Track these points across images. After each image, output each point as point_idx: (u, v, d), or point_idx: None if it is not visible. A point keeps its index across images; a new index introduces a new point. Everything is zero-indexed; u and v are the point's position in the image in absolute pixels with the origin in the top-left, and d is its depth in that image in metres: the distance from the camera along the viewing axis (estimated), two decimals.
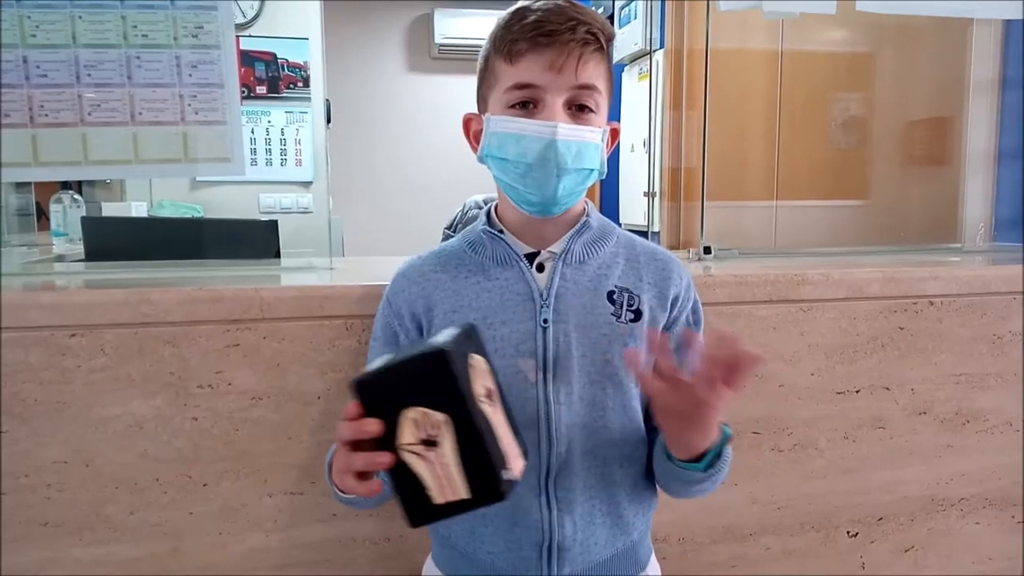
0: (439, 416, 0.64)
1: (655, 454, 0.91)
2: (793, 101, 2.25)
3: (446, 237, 3.24)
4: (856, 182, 2.35)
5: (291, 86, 3.13)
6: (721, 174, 1.83)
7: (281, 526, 1.11)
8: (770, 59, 2.23)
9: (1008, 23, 1.84)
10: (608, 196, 3.19)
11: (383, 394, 0.66)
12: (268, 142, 3.14)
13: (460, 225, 3.06)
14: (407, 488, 0.66)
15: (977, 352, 1.34)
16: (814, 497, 1.30)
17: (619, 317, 0.88)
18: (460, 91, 4.66)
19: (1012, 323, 1.36)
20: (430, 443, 0.65)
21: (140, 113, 1.19)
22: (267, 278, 1.18)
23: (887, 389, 1.31)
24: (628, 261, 0.93)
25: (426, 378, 0.64)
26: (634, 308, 0.89)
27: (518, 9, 0.85)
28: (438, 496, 0.66)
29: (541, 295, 0.88)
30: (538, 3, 0.85)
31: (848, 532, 1.34)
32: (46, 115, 1.17)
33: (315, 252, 1.71)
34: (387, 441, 0.65)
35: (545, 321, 0.87)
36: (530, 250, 0.91)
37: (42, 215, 2.33)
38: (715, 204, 1.62)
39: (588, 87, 0.84)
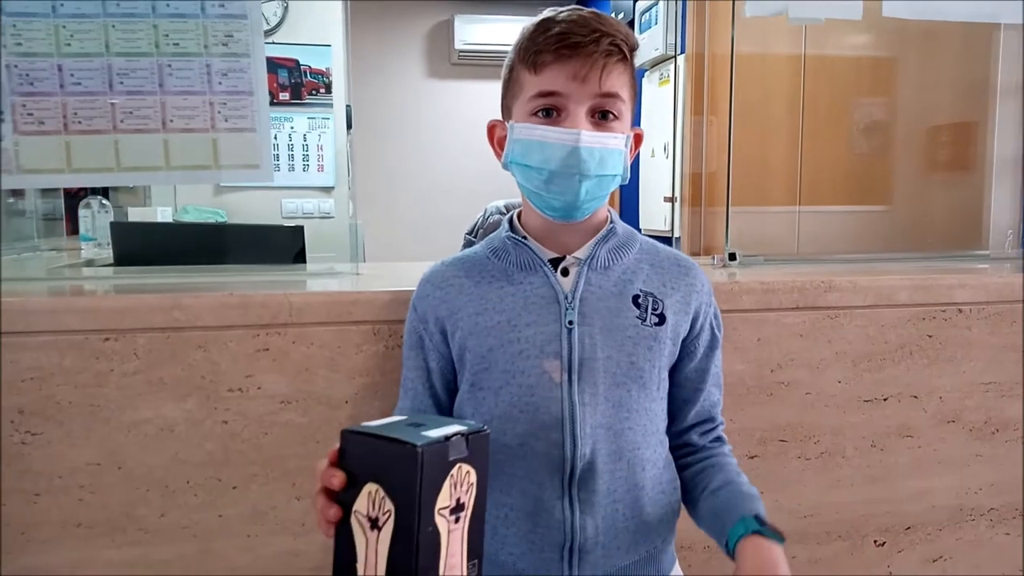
0: (390, 504, 0.64)
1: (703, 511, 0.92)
2: (816, 106, 2.24)
3: (467, 243, 3.25)
4: (879, 187, 2.33)
5: (313, 92, 3.16)
6: (743, 179, 1.82)
7: (309, 529, 1.11)
8: (793, 63, 2.22)
9: None
10: (628, 201, 3.19)
11: (359, 456, 0.66)
12: (291, 148, 3.17)
13: (481, 231, 3.07)
14: (343, 549, 0.66)
15: (1007, 360, 1.33)
16: (841, 506, 1.30)
17: (644, 320, 0.89)
18: (480, 97, 4.67)
19: None
20: (374, 523, 0.65)
21: (171, 120, 1.21)
22: (294, 283, 1.19)
23: (915, 397, 1.30)
24: (652, 267, 0.94)
25: (394, 465, 0.63)
26: (659, 312, 0.90)
27: (543, 20, 0.87)
28: (361, 572, 0.66)
29: (566, 297, 0.88)
30: (563, 14, 0.86)
31: (875, 541, 1.33)
32: (79, 122, 1.19)
33: (337, 257, 1.72)
34: (347, 499, 0.66)
35: (570, 323, 0.87)
36: (554, 256, 0.92)
37: (70, 219, 2.37)
38: (737, 209, 1.62)
39: (611, 95, 0.85)
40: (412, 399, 0.95)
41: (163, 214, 2.57)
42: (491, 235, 0.99)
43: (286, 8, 3.15)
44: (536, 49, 0.85)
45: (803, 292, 1.23)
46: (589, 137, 0.84)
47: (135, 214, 2.53)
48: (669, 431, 0.96)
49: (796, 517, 1.28)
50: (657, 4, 3.05)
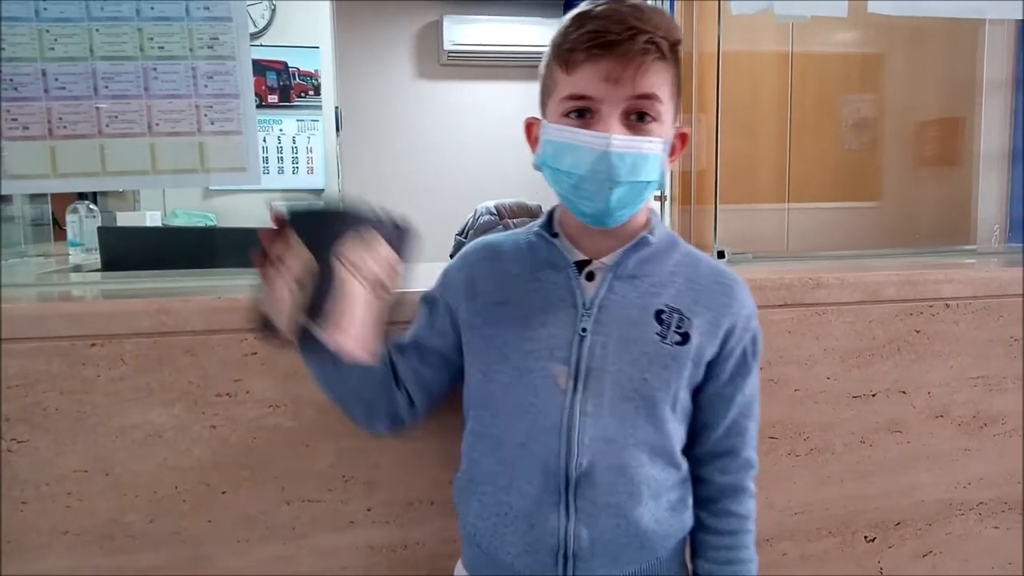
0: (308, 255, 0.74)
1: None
2: (804, 103, 2.25)
3: (457, 244, 3.25)
4: (868, 184, 2.34)
5: (302, 94, 3.16)
6: (732, 177, 1.83)
7: (299, 534, 1.11)
8: (780, 61, 2.23)
9: (1021, 22, 1.83)
10: None
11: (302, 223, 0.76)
12: (280, 150, 3.16)
13: (471, 231, 3.07)
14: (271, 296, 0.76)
15: (994, 355, 1.34)
16: (831, 502, 1.30)
17: (664, 338, 0.86)
18: (470, 97, 4.67)
19: None
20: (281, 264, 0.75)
21: (157, 124, 1.20)
22: None
23: (903, 393, 1.30)
24: (687, 281, 0.89)
25: (323, 223, 0.75)
26: (682, 331, 0.86)
27: (577, 15, 0.83)
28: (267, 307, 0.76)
29: (584, 304, 0.86)
30: (599, 7, 0.81)
31: (866, 537, 1.33)
32: (64, 127, 1.18)
33: None
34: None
35: (584, 330, 0.85)
36: (582, 258, 0.89)
37: (57, 225, 2.36)
38: (726, 207, 1.62)
39: (647, 96, 0.81)
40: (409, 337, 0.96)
41: (152, 218, 2.56)
42: (534, 222, 0.96)
43: (274, 10, 3.14)
44: (568, 47, 0.81)
45: (791, 289, 1.23)
46: (620, 142, 0.80)
47: (123, 219, 2.52)
48: (689, 455, 0.93)
49: (786, 514, 1.28)
50: (645, 3, 3.05)
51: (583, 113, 0.82)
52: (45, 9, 1.15)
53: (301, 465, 1.10)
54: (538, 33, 4.56)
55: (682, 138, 0.89)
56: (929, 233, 2.10)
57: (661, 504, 0.89)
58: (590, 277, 0.88)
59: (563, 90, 0.83)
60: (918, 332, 1.30)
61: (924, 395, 1.32)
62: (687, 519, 0.93)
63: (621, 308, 0.86)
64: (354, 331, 0.76)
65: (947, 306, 1.30)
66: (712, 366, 0.90)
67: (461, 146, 4.68)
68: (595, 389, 0.85)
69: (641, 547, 0.88)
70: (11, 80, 1.15)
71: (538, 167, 0.88)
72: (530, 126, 0.92)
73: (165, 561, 1.08)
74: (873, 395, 1.29)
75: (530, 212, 2.80)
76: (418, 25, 4.62)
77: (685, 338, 0.86)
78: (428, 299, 0.97)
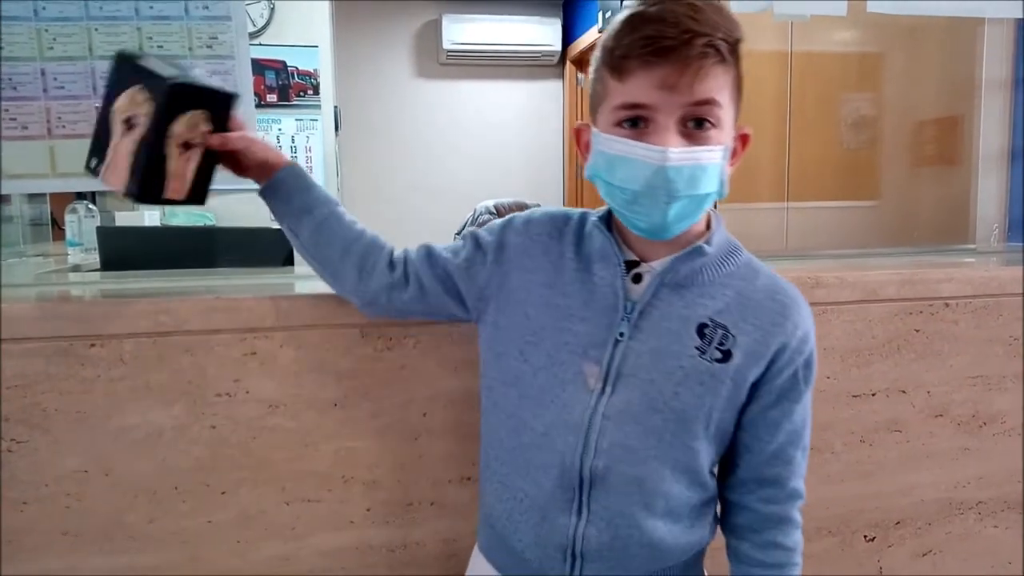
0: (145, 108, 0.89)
1: None
2: (803, 102, 2.25)
3: None
4: (867, 183, 2.34)
5: (301, 94, 3.16)
6: (732, 175, 1.83)
7: (299, 534, 1.11)
8: (780, 60, 2.23)
9: (1020, 21, 1.83)
10: None
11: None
12: (279, 150, 3.16)
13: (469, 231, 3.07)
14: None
15: (993, 354, 1.34)
16: (831, 501, 1.30)
17: (703, 352, 0.82)
18: (469, 96, 4.67)
19: None
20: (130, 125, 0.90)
21: None
22: (282, 286, 1.19)
23: (903, 392, 1.31)
24: (739, 295, 0.84)
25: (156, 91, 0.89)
26: (724, 348, 0.82)
27: (630, 17, 0.77)
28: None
29: (626, 307, 0.83)
30: (652, 7, 0.75)
31: (865, 536, 1.33)
32: (64, 126, 1.18)
33: None
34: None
35: (621, 334, 0.83)
36: (632, 257, 0.85)
37: (56, 225, 2.35)
38: (725, 206, 1.62)
39: (706, 102, 0.76)
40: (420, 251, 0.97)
41: (150, 218, 2.56)
42: (597, 210, 0.92)
43: (272, 9, 3.14)
44: (621, 53, 0.76)
45: None
46: (678, 154, 0.75)
47: (122, 218, 2.51)
48: (727, 482, 0.91)
49: None
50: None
51: (636, 122, 0.77)
52: (44, 8, 1.14)
53: (301, 465, 1.10)
54: (537, 32, 4.56)
55: (743, 139, 0.84)
56: (928, 232, 2.11)
57: (679, 520, 0.87)
58: (637, 279, 0.84)
59: (615, 98, 0.78)
60: (917, 331, 1.30)
61: (924, 394, 1.32)
62: (707, 533, 0.91)
63: (663, 317, 0.83)
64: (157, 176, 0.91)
65: (946, 305, 1.30)
66: (756, 387, 0.85)
67: (460, 145, 4.68)
68: (623, 395, 0.82)
69: (652, 557, 0.86)
70: (10, 79, 1.15)
71: (591, 178, 0.84)
72: (579, 132, 0.87)
73: (165, 561, 1.08)
74: (873, 394, 1.29)
75: None
76: (417, 24, 4.62)
77: (727, 355, 0.82)
78: (478, 241, 0.94)
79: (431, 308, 0.97)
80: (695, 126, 0.77)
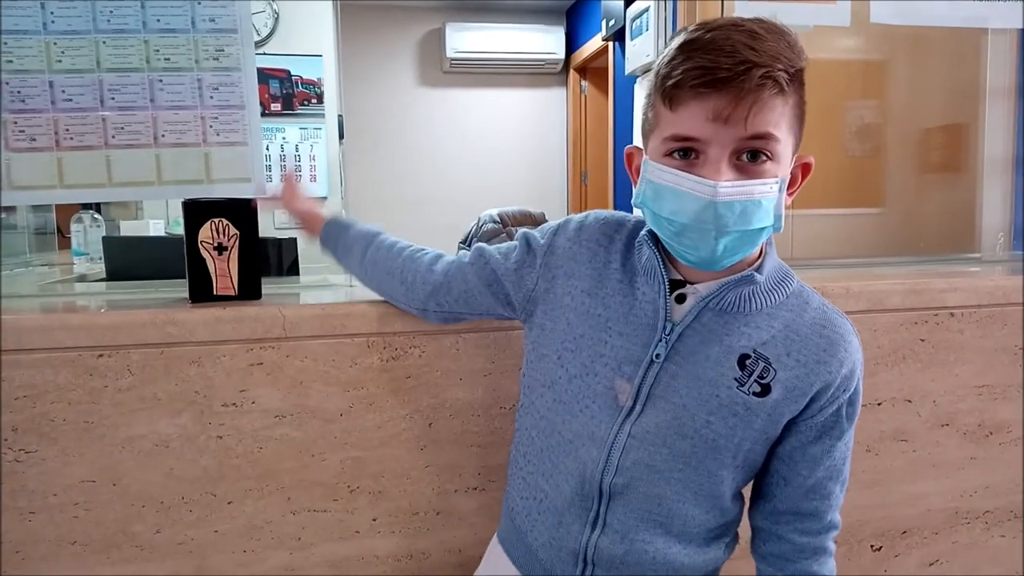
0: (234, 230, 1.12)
1: None
2: (808, 109, 2.25)
3: (461, 251, 3.24)
4: (872, 190, 2.34)
5: (305, 103, 3.16)
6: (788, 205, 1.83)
7: (305, 544, 1.11)
8: None
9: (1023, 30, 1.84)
10: (624, 208, 3.19)
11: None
12: (283, 158, 3.17)
13: (475, 239, 3.07)
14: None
15: (999, 363, 1.34)
16: None
17: (742, 385, 0.79)
18: (472, 104, 4.69)
19: None
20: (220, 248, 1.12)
21: (163, 135, 1.20)
22: (288, 296, 1.19)
23: (909, 401, 1.30)
24: (786, 327, 0.81)
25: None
26: (765, 382, 0.79)
27: (684, 43, 0.73)
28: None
29: (665, 327, 0.80)
30: (710, 34, 0.71)
31: (872, 546, 1.33)
32: (71, 138, 1.18)
33: (330, 268, 1.72)
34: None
35: (657, 356, 0.80)
36: (678, 277, 0.82)
37: (61, 234, 2.36)
38: None
39: (762, 136, 0.72)
40: (451, 262, 0.99)
41: (155, 227, 2.56)
42: (644, 222, 0.88)
43: (277, 19, 3.15)
44: (674, 82, 0.72)
45: None
46: (728, 189, 0.71)
47: (127, 228, 2.52)
48: (761, 509, 0.89)
49: None
50: (648, 10, 3.07)
51: (688, 153, 0.74)
52: (53, 22, 1.15)
53: (307, 475, 1.10)
54: (540, 41, 4.58)
55: (804, 168, 0.81)
56: (933, 240, 2.10)
57: (694, 540, 0.86)
58: (680, 299, 0.81)
59: (666, 128, 0.75)
60: (923, 341, 1.30)
61: (930, 404, 1.31)
62: (722, 554, 0.90)
63: (703, 342, 0.80)
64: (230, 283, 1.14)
65: (952, 315, 1.30)
66: (794, 423, 0.83)
67: (464, 153, 4.69)
68: (653, 417, 0.81)
69: (664, 574, 0.86)
70: (19, 92, 1.16)
71: (638, 206, 0.81)
72: (631, 156, 0.85)
73: (171, 571, 1.08)
74: (879, 404, 1.29)
75: (533, 220, 2.81)
76: (421, 33, 4.64)
77: (766, 390, 0.79)
78: (529, 244, 0.92)
79: (478, 309, 0.98)
80: (749, 159, 0.73)
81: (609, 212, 0.91)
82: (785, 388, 0.80)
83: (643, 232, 0.86)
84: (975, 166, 1.96)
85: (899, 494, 1.32)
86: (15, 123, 1.16)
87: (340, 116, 3.32)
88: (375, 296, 1.09)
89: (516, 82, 4.74)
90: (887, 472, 1.31)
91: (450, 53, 4.50)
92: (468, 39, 4.51)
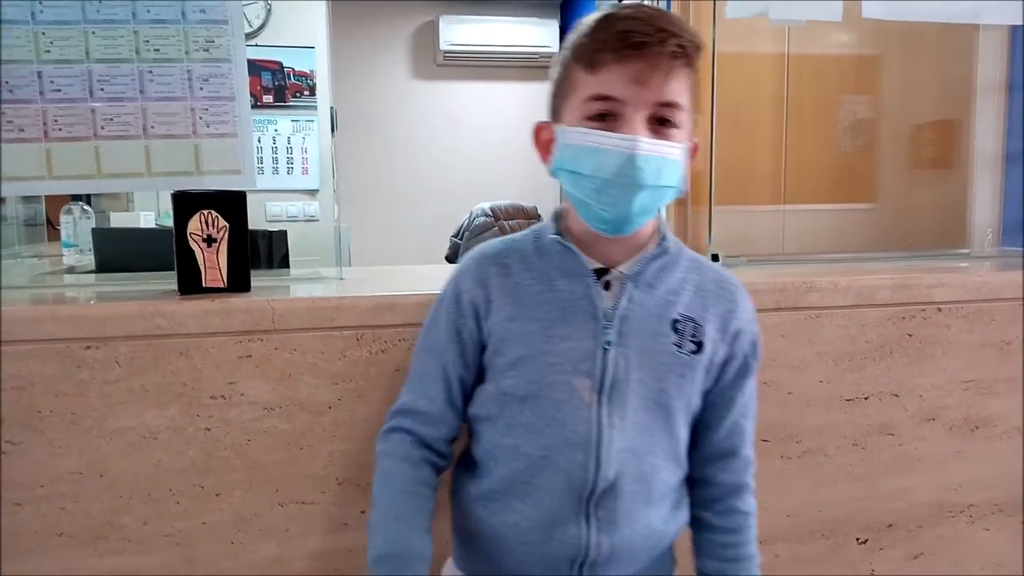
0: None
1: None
2: (800, 104, 2.25)
3: (454, 246, 3.25)
4: (863, 186, 2.35)
5: (297, 95, 3.15)
6: (728, 179, 1.83)
7: (293, 536, 1.11)
8: (776, 63, 2.24)
9: (1014, 26, 1.84)
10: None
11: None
12: (275, 151, 3.16)
13: (467, 233, 3.07)
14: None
15: (985, 358, 1.35)
16: (823, 504, 1.31)
17: (680, 347, 0.86)
18: (466, 97, 4.67)
19: (1020, 328, 1.35)
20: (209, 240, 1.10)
21: (152, 126, 1.20)
22: (277, 289, 1.19)
23: (896, 396, 1.31)
24: (696, 288, 0.89)
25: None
26: (696, 340, 0.87)
27: (604, 16, 0.81)
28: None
29: (605, 315, 0.85)
30: (626, 10, 0.80)
31: (857, 539, 1.34)
32: (60, 129, 1.18)
33: (321, 260, 1.72)
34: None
35: (608, 343, 0.84)
36: (599, 266, 0.87)
37: (51, 225, 2.35)
38: (722, 209, 1.63)
39: (672, 104, 0.80)
40: (428, 391, 0.91)
41: (146, 219, 2.55)
42: (537, 227, 0.93)
43: (269, 10, 3.14)
44: (595, 47, 0.79)
45: (784, 293, 1.24)
46: (648, 145, 0.78)
47: (117, 219, 2.51)
48: (690, 456, 0.93)
49: (779, 516, 1.29)
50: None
51: (604, 117, 0.80)
52: (41, 12, 1.15)
53: (295, 467, 1.10)
54: (534, 33, 4.56)
55: (693, 150, 0.87)
56: (924, 236, 2.11)
57: (667, 504, 0.90)
58: (606, 286, 0.86)
59: (585, 90, 0.80)
60: (910, 336, 1.30)
61: (916, 398, 1.32)
62: (684, 516, 0.94)
63: (641, 319, 0.85)
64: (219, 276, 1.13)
65: (939, 310, 1.31)
66: (720, 369, 0.90)
67: (457, 147, 4.68)
68: (619, 401, 0.84)
69: (654, 547, 0.90)
70: (7, 83, 1.15)
71: (553, 173, 0.85)
72: (540, 130, 0.89)
73: (159, 563, 1.08)
74: (865, 398, 1.30)
75: (525, 214, 2.81)
76: (414, 25, 4.62)
77: (699, 346, 0.87)
78: (455, 334, 0.91)
79: (471, 383, 0.94)
80: (659, 124, 0.80)
81: (486, 243, 0.95)
82: (713, 340, 0.88)
83: (541, 237, 0.90)
84: (966, 162, 1.97)
85: (885, 488, 1.33)
86: (3, 114, 1.16)
87: (333, 108, 3.31)
88: (364, 290, 1.09)
89: (510, 75, 4.73)
90: (873, 466, 1.32)
91: (444, 46, 4.48)
92: (462, 32, 4.49)
